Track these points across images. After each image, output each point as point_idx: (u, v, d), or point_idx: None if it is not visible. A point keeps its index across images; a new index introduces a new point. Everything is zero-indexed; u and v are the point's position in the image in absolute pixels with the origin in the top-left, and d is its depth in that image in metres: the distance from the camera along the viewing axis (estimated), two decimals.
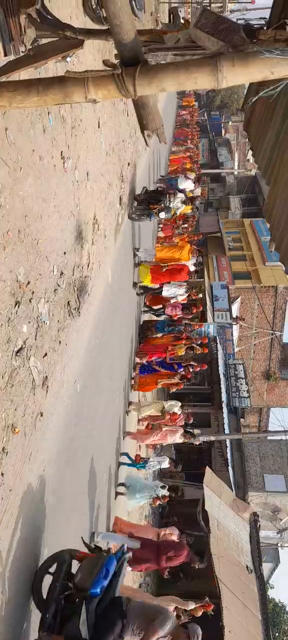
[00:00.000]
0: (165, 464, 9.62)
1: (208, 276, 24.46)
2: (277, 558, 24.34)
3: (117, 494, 8.03)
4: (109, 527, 7.34)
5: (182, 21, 5.58)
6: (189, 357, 10.43)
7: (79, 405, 5.81)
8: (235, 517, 14.57)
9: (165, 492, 8.69)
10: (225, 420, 16.83)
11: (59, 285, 5.00)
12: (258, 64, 2.26)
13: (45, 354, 4.55)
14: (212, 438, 14.90)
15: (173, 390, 10.45)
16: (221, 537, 12.92)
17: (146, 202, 10.62)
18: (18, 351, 3.94)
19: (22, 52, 3.22)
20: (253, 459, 19.52)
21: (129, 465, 8.60)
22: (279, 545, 22.07)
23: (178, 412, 9.80)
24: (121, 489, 8.20)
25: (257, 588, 13.70)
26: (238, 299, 25.80)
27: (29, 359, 4.15)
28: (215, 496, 13.56)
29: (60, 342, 5.00)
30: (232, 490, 15.87)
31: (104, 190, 7.39)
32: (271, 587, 27.78)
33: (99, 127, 6.93)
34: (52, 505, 4.74)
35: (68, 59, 4.15)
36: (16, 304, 3.89)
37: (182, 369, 10.06)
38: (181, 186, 14.42)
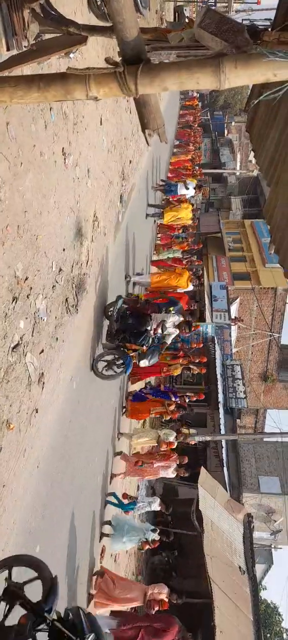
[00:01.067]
0: (156, 506, 8.64)
1: (208, 276, 24.44)
2: (270, 559, 24.38)
3: (102, 535, 7.29)
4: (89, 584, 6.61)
5: (186, 20, 5.55)
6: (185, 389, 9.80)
7: (74, 403, 5.80)
8: (229, 518, 14.59)
9: (155, 536, 7.78)
10: (221, 421, 16.83)
11: (57, 282, 4.98)
12: (261, 66, 2.25)
13: (42, 351, 4.54)
14: (208, 438, 14.90)
15: (167, 418, 9.68)
16: (215, 537, 12.93)
17: (121, 336, 6.91)
18: (14, 347, 3.92)
19: (25, 47, 3.19)
20: (248, 460, 19.54)
21: (116, 505, 7.92)
22: (272, 546, 22.13)
23: (175, 442, 9.01)
24: (107, 529, 7.45)
25: (250, 589, 13.73)
26: (237, 300, 25.80)
27: (26, 355, 4.14)
28: (210, 496, 13.57)
29: (57, 338, 4.99)
30: (227, 490, 15.88)
31: (104, 188, 7.37)
32: (263, 589, 27.86)
33: (101, 124, 6.90)
34: (45, 502, 4.73)
35: (71, 55, 4.13)
36: (14, 299, 3.88)
37: (177, 399, 9.37)
38: (180, 192, 14.17)
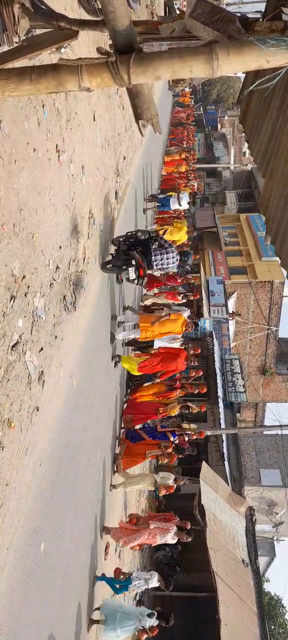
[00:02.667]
0: (154, 583, 7.18)
1: (205, 271, 24.46)
2: (273, 552, 24.49)
3: (91, 621, 6.42)
4: None
5: (177, 12, 5.53)
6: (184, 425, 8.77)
7: (75, 400, 5.80)
8: (231, 511, 14.64)
9: (153, 621, 6.70)
10: (221, 415, 16.87)
11: (54, 280, 4.97)
12: (254, 53, 2.25)
13: (41, 349, 4.53)
14: (208, 433, 14.91)
15: (164, 462, 8.64)
16: (217, 531, 12.97)
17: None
18: (14, 346, 3.91)
19: (16, 42, 3.18)
20: (249, 454, 19.59)
21: (106, 580, 6.92)
22: (275, 539, 22.21)
23: (174, 485, 8.21)
24: (96, 614, 6.59)
25: (253, 581, 13.78)
26: (235, 294, 25.84)
27: (25, 353, 4.13)
28: (212, 490, 13.61)
29: (56, 336, 4.98)
30: (228, 484, 15.93)
31: (99, 184, 7.35)
32: (267, 581, 28.01)
33: (94, 120, 6.88)
34: (49, 500, 4.73)
35: (62, 50, 4.11)
36: (11, 298, 3.87)
37: (176, 437, 8.47)
38: (173, 207, 13.43)
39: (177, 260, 9.10)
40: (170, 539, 7.62)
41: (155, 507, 13.67)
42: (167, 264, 8.97)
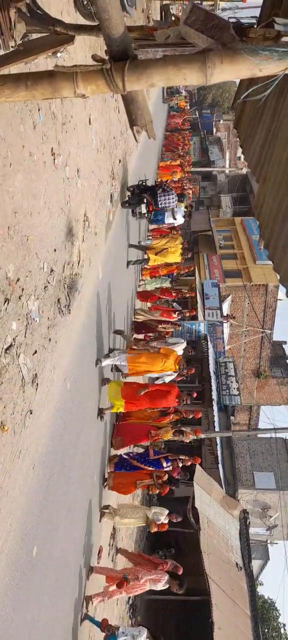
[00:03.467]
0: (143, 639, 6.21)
1: (199, 274, 24.54)
2: (267, 555, 24.57)
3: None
4: None
5: (173, 18, 5.57)
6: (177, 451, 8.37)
7: (68, 403, 5.79)
8: (225, 515, 14.66)
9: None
10: (216, 418, 16.90)
11: (49, 283, 4.97)
12: (247, 62, 2.28)
13: (35, 352, 4.53)
14: (203, 436, 14.91)
15: (155, 492, 7.95)
16: (211, 534, 12.99)
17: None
18: (7, 348, 3.91)
19: (12, 47, 3.19)
20: (243, 457, 19.65)
21: (92, 622, 6.50)
22: (268, 542, 22.28)
23: (166, 522, 7.72)
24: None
25: (247, 585, 13.81)
26: (229, 297, 25.95)
27: (19, 356, 4.13)
28: (205, 494, 13.62)
29: (50, 339, 4.98)
30: (222, 487, 15.95)
31: (94, 188, 7.37)
32: (260, 584, 28.07)
33: (89, 123, 6.90)
34: (41, 503, 4.72)
35: (58, 55, 4.12)
36: (5, 301, 3.87)
37: (169, 463, 7.93)
38: (167, 221, 12.96)
39: (175, 199, 11.38)
40: (161, 587, 7.00)
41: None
42: (169, 202, 11.15)
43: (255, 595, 14.42)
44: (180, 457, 8.21)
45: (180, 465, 8.17)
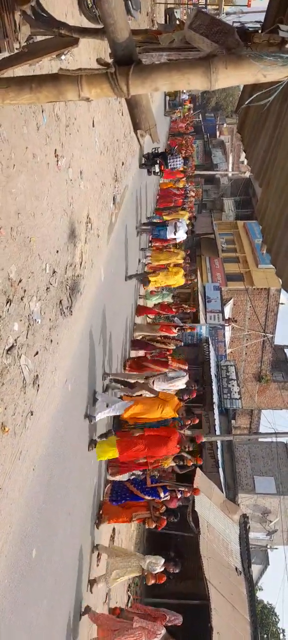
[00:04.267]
0: None
1: (201, 277, 24.54)
2: (266, 560, 24.47)
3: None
4: None
5: (177, 22, 5.58)
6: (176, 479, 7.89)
7: (69, 405, 5.79)
8: (225, 519, 14.63)
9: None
10: (216, 422, 16.88)
11: (51, 284, 4.98)
12: (251, 67, 2.28)
13: (37, 353, 4.53)
14: (203, 439, 14.91)
15: (152, 526, 7.34)
16: (211, 538, 12.96)
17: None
18: (9, 349, 3.91)
19: (17, 49, 3.20)
20: (243, 461, 19.60)
21: None
22: (268, 547, 22.20)
23: (161, 570, 7.04)
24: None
25: (246, 590, 13.77)
26: (231, 301, 25.93)
27: (20, 357, 4.13)
28: (206, 497, 13.60)
29: (51, 340, 4.98)
30: (222, 491, 15.92)
31: (97, 189, 7.38)
32: (260, 589, 27.96)
33: (93, 125, 6.91)
34: (41, 505, 4.72)
35: (63, 57, 4.13)
36: (8, 302, 3.87)
37: (167, 494, 7.33)
38: (169, 236, 12.72)
39: (181, 162, 14.63)
40: None
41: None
42: (176, 164, 13.85)
43: (254, 600, 14.38)
44: (180, 488, 7.68)
45: (179, 496, 7.70)
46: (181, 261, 12.53)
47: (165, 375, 8.18)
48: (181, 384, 8.11)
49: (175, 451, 7.20)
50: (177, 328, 11.51)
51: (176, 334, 11.46)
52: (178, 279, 11.92)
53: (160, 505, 7.19)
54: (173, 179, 19.02)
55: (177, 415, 7.32)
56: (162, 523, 7.14)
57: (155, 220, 14.41)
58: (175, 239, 12.93)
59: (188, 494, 7.85)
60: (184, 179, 19.76)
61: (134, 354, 10.55)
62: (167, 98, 25.38)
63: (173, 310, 12.22)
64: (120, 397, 7.64)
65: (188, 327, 12.47)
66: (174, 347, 11.44)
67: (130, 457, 6.94)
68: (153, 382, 7.82)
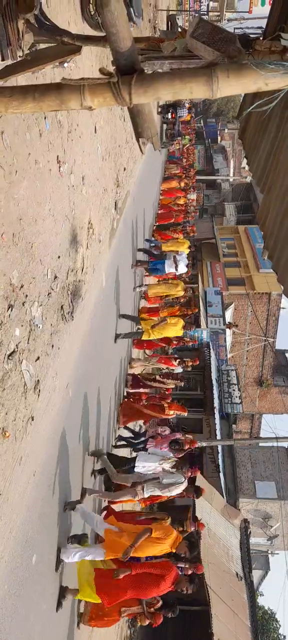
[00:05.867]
0: None
1: (203, 282, 24.57)
2: (267, 565, 24.38)
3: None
4: None
5: (179, 29, 5.61)
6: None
7: (70, 410, 5.79)
8: (226, 524, 14.60)
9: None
10: (217, 426, 16.86)
11: (52, 289, 4.99)
12: (253, 76, 2.29)
13: (38, 358, 4.54)
14: (204, 444, 14.91)
15: (145, 624, 5.94)
16: (211, 543, 12.92)
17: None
18: (10, 355, 3.92)
19: (20, 56, 3.23)
20: (244, 466, 19.57)
21: None
22: (269, 552, 22.13)
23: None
24: None
25: (247, 595, 13.73)
26: (232, 305, 25.95)
27: (21, 362, 4.14)
28: (206, 502, 13.57)
29: (52, 346, 4.99)
30: (223, 496, 15.89)
31: (99, 195, 7.40)
32: (260, 595, 27.82)
33: (95, 132, 6.94)
34: (42, 511, 4.71)
35: (65, 65, 4.16)
36: (9, 307, 3.88)
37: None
38: (168, 270, 11.38)
39: (186, 112, 22.86)
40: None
41: None
42: (182, 113, 20.45)
43: (255, 606, 14.33)
44: (178, 564, 5.85)
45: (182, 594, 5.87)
46: (181, 293, 11.32)
47: (159, 480, 6.50)
48: (178, 491, 6.55)
49: (169, 589, 5.53)
50: (177, 360, 10.30)
51: (177, 366, 10.23)
52: (177, 331, 10.08)
53: (156, 600, 5.78)
54: (173, 196, 18.37)
55: (174, 551, 5.71)
56: (158, 620, 5.76)
57: (152, 248, 12.95)
58: (174, 273, 11.52)
59: (190, 572, 5.97)
60: (185, 196, 19.48)
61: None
62: (164, 127, 21.15)
63: (174, 342, 10.58)
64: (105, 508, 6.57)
65: (190, 361, 10.58)
66: (173, 387, 10.44)
67: (111, 602, 5.38)
68: (142, 488, 6.42)
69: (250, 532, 15.91)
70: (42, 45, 3.50)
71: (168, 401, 9.24)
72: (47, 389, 4.83)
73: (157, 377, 10.16)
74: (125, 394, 9.70)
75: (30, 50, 3.31)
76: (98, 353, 7.54)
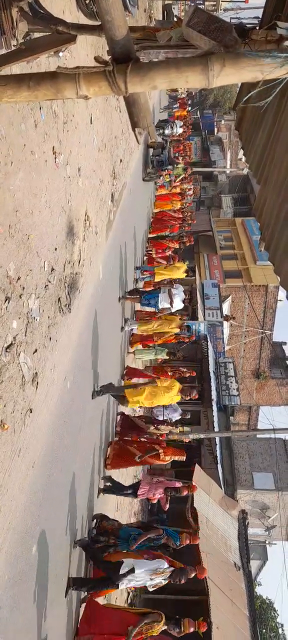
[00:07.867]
0: None
1: (200, 275, 24.55)
2: (265, 555, 24.62)
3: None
4: None
5: (175, 18, 5.56)
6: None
7: (68, 402, 5.80)
8: (224, 515, 14.70)
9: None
10: (215, 418, 16.92)
11: (49, 282, 4.98)
12: (249, 65, 2.28)
13: (35, 350, 4.54)
14: (202, 436, 14.96)
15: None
16: (210, 534, 13.01)
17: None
18: (8, 347, 3.92)
19: (14, 45, 3.20)
20: (242, 457, 19.68)
21: None
22: (267, 542, 22.32)
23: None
24: None
25: (245, 585, 13.85)
26: (229, 298, 25.98)
27: (19, 355, 4.14)
28: (204, 494, 13.65)
29: (50, 338, 4.99)
30: (221, 487, 15.99)
31: (95, 187, 7.37)
32: (259, 584, 28.09)
33: (91, 122, 6.90)
34: (41, 502, 4.73)
35: (60, 54, 4.14)
36: (6, 299, 3.87)
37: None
38: (162, 306, 9.97)
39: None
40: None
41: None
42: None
43: (253, 595, 14.45)
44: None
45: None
46: (176, 330, 10.02)
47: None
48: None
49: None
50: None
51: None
52: (172, 397, 8.28)
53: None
54: (169, 200, 16.93)
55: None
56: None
57: (145, 284, 11.67)
58: (169, 309, 10.04)
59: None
60: (181, 200, 17.79)
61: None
62: (150, 151, 15.89)
63: (169, 374, 9.63)
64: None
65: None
66: (167, 432, 9.35)
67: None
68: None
69: (248, 523, 16.03)
70: (37, 34, 3.47)
71: (164, 447, 7.88)
72: (45, 381, 4.83)
73: (152, 429, 8.86)
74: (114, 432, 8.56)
75: (24, 39, 3.29)
76: (95, 345, 7.54)
